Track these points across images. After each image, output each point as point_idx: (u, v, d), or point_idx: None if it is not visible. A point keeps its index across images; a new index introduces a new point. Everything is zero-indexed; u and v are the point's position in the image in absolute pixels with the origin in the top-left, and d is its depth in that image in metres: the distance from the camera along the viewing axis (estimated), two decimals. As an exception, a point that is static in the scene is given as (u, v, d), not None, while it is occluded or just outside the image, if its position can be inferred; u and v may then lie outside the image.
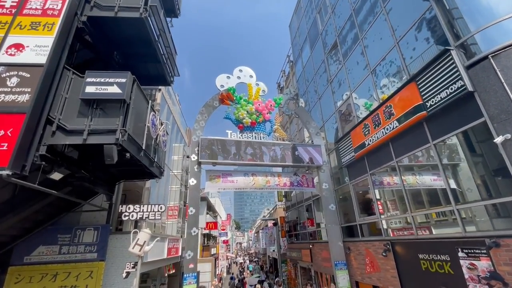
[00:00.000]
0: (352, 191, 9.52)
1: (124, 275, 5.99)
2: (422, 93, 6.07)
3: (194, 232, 8.13)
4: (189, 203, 8.41)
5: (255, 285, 16.62)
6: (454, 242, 5.33)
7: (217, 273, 24.47)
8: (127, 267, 6.04)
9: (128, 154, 5.80)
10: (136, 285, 6.28)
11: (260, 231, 36.28)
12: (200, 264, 18.75)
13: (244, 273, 29.02)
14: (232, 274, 30.38)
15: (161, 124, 7.76)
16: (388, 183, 8.29)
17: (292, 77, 17.78)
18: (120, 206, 6.40)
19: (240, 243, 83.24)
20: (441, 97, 5.59)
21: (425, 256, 6.01)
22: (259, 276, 20.84)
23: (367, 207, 9.29)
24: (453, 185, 5.74)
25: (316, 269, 12.26)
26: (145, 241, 6.19)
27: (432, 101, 5.80)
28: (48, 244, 7.41)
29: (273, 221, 17.81)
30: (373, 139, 7.85)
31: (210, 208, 33.10)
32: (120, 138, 5.32)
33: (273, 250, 18.29)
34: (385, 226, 7.74)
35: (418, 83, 6.20)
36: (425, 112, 5.98)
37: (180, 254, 13.72)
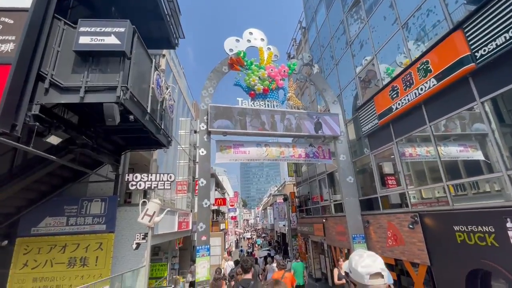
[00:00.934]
0: (373, 162, 8.86)
1: (134, 246, 5.64)
2: (471, 42, 5.15)
3: (206, 204, 7.71)
4: (200, 175, 7.92)
5: (265, 257, 16.73)
6: (501, 212, 4.70)
7: (226, 247, 24.90)
8: (137, 238, 5.67)
9: (132, 117, 5.19)
10: (148, 257, 5.95)
11: (268, 207, 36.57)
12: (210, 238, 18.95)
13: (254, 248, 29.54)
14: (241, 247, 31.08)
15: (167, 88, 7.05)
16: (416, 153, 7.58)
17: (305, 44, 16.53)
18: (127, 175, 5.90)
19: (247, 220, 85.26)
20: (496, 44, 4.68)
21: (461, 228, 5.44)
22: (268, 250, 21.06)
23: (389, 178, 8.67)
24: (502, 149, 4.99)
25: (330, 243, 11.99)
26: (154, 212, 5.75)
27: (484, 50, 4.91)
28: (55, 216, 7.10)
29: (283, 196, 17.55)
30: (402, 103, 7.03)
31: (218, 185, 33.19)
32: (121, 96, 4.67)
33: (284, 225, 18.22)
34: (412, 199, 7.15)
35: (465, 30, 5.26)
36: (473, 64, 5.10)
37: (190, 228, 13.61)
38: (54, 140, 4.91)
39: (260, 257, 17.39)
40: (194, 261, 15.43)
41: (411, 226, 6.67)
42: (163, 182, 6.01)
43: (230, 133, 8.71)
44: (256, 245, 33.50)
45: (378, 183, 8.52)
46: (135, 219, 7.74)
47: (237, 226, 45.30)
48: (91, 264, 6.72)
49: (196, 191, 14.78)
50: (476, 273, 5.34)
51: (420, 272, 6.65)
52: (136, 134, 6.53)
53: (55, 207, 7.15)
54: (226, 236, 28.36)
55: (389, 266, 7.87)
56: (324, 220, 12.33)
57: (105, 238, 6.98)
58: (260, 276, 10.44)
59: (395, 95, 7.29)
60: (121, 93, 4.68)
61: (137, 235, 5.70)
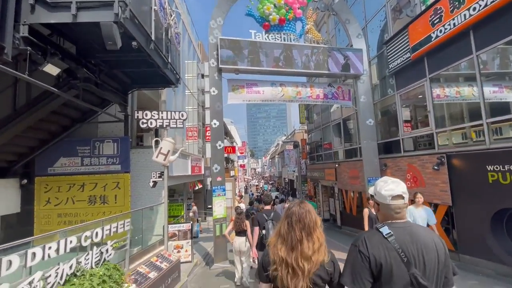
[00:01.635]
0: (397, 103, 8.18)
1: (151, 184, 5.57)
2: None
3: (220, 146, 7.46)
4: (212, 116, 7.49)
5: (273, 200, 17.44)
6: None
7: (237, 192, 26.14)
8: (153, 176, 5.57)
9: (134, 44, 4.52)
10: (166, 195, 5.95)
11: (276, 156, 37.22)
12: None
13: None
14: (251, 191, 32.71)
15: (171, 15, 6.14)
16: (445, 94, 6.84)
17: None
18: (136, 112, 5.51)
19: (255, 169, 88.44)
20: None
21: (496, 168, 5.07)
22: (277, 194, 21.94)
23: (414, 119, 8.11)
24: None
25: (341, 187, 12.12)
26: (169, 151, 5.50)
27: None
28: (69, 156, 7.03)
29: (294, 143, 17.42)
30: (445, 29, 6.01)
31: (227, 134, 33.34)
32: (120, 14, 3.95)
33: (294, 170, 18.53)
34: (440, 140, 6.68)
35: None
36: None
37: (203, 172, 13.84)
38: (51, 70, 4.39)
39: None
40: (206, 203, 16.27)
41: (436, 168, 6.35)
42: (175, 120, 5.64)
43: (243, 71, 7.95)
44: (264, 191, 35.13)
45: (401, 125, 7.99)
46: (148, 161, 7.67)
47: (245, 174, 47.13)
48: (111, 202, 6.86)
49: (207, 137, 14.71)
50: (503, 212, 5.16)
51: (439, 213, 6.58)
52: (141, 68, 5.91)
53: (68, 148, 7.04)
54: (236, 183, 29.52)
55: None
56: (336, 165, 12.26)
57: (121, 178, 6.98)
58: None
59: (438, 20, 6.20)
60: (119, 10, 3.95)
61: (153, 174, 5.58)
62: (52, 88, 4.59)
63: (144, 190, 7.70)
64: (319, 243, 1.55)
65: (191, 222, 7.30)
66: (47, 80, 4.70)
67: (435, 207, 6.76)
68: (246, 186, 40.71)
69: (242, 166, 36.62)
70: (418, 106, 8.23)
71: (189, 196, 14.33)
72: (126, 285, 3.62)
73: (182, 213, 11.29)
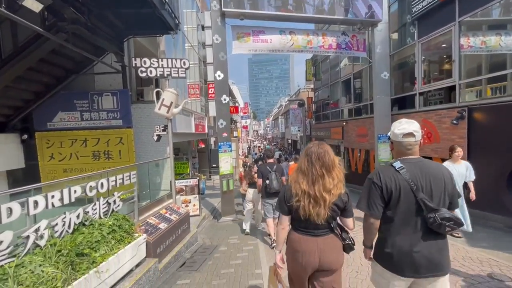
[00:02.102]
0: (418, 52, 7.49)
1: (155, 137, 5.32)
2: None
3: (225, 100, 7.05)
4: (216, 67, 6.93)
5: (278, 158, 17.51)
6: None
7: (240, 153, 26.33)
8: (157, 130, 5.29)
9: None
10: (171, 151, 5.75)
11: (280, 117, 36.70)
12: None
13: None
14: (254, 151, 33.04)
15: None
16: (469, 44, 6.14)
17: None
18: (134, 59, 5.01)
19: (257, 131, 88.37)
20: None
21: (524, 120, 4.70)
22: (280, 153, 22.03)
23: (434, 71, 7.51)
24: None
25: (348, 146, 11.95)
26: (171, 102, 5.13)
27: None
28: (67, 111, 6.72)
29: (299, 102, 16.86)
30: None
31: (230, 94, 32.44)
32: None
33: (298, 130, 18.29)
34: (463, 94, 6.20)
35: None
36: None
37: (206, 131, 13.62)
38: (33, 5, 3.80)
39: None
40: (210, 162, 16.37)
41: (454, 122, 6.00)
42: (176, 69, 5.16)
43: (248, 15, 7.14)
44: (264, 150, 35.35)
45: (420, 77, 7.41)
46: (151, 117, 7.35)
47: (248, 135, 47.14)
48: (115, 157, 6.73)
49: (210, 95, 14.15)
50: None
51: (451, 168, 6.42)
52: (135, 9, 5.24)
53: (65, 101, 6.69)
54: (239, 144, 29.60)
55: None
56: (344, 124, 11.91)
57: (124, 133, 6.75)
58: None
59: None
60: None
61: (157, 127, 5.30)
62: (37, 28, 4.06)
63: (149, 146, 7.52)
64: (338, 179, 1.75)
65: (198, 178, 7.25)
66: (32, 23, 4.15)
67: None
68: (249, 147, 41.01)
69: (245, 127, 36.33)
70: (438, 58, 7.55)
71: (194, 155, 14.35)
72: (136, 234, 3.58)
73: (188, 171, 11.36)
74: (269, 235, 4.98)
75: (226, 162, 7.09)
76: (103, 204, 3.38)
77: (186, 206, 7.04)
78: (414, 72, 7.72)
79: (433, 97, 7.32)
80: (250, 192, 5.62)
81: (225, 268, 4.01)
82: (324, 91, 15.09)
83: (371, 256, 1.79)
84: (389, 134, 1.81)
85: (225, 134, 7.08)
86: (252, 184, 5.57)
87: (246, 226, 5.64)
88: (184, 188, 7.05)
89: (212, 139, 18.30)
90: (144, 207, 4.91)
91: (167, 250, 4.20)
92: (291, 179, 1.87)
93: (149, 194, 5.87)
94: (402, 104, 8.35)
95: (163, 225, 4.26)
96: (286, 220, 1.85)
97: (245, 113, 28.18)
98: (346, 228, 1.89)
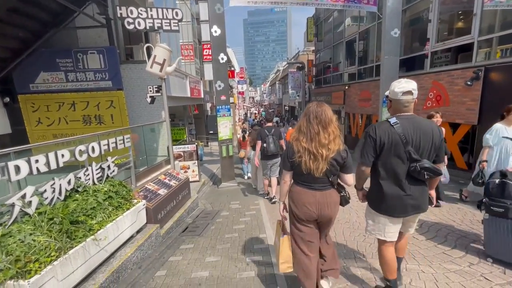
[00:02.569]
0: (434, 6, 6.80)
1: (148, 100, 4.91)
2: None
3: (222, 59, 6.48)
4: (212, 21, 6.24)
5: (277, 122, 17.20)
6: None
7: (237, 119, 25.87)
8: (150, 91, 4.85)
9: None
10: (166, 114, 5.37)
11: (277, 82, 35.52)
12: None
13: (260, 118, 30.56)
14: (250, 117, 32.59)
15: None
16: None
17: None
18: (119, 9, 4.36)
19: (253, 98, 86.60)
20: None
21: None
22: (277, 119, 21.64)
23: (450, 28, 6.92)
24: None
25: (349, 111, 11.61)
26: (164, 59, 4.63)
27: None
28: (50, 71, 6.14)
29: (299, 65, 16.01)
30: None
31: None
32: None
33: (298, 95, 17.71)
34: (480, 53, 5.74)
35: None
36: None
37: (202, 96, 13.06)
38: None
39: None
40: (207, 129, 16.04)
41: (469, 83, 5.64)
42: (168, 21, 4.55)
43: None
44: (262, 117, 34.76)
45: (434, 34, 6.84)
46: (143, 78, 6.82)
47: (244, 102, 46.07)
48: (107, 122, 6.36)
49: (204, 56, 13.29)
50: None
51: (458, 133, 6.23)
52: None
53: (47, 60, 6.09)
54: (236, 110, 28.96)
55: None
56: (346, 87, 11.43)
57: (114, 95, 6.28)
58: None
59: None
60: None
61: (149, 88, 4.85)
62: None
63: (143, 110, 7.11)
64: (334, 135, 1.83)
65: (196, 144, 6.99)
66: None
67: (454, 127, 6.36)
68: (246, 113, 40.37)
69: (241, 93, 35.28)
70: (455, 13, 6.90)
71: (190, 121, 13.94)
72: (135, 200, 3.39)
73: (184, 137, 11.07)
74: (268, 194, 5.35)
75: (225, 127, 6.78)
76: (97, 170, 3.12)
77: (185, 172, 6.87)
78: (426, 30, 7.11)
79: (445, 58, 6.85)
80: (252, 154, 5.86)
81: (228, 232, 3.94)
82: (326, 53, 14.26)
83: (364, 199, 2.12)
84: (387, 93, 1.97)
85: (223, 97, 6.66)
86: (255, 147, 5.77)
87: (256, 185, 6.03)
88: (183, 154, 6.83)
89: (208, 105, 17.71)
90: (142, 173, 4.70)
91: (168, 215, 4.08)
92: (292, 137, 1.96)
93: (146, 160, 5.63)
94: (410, 66, 7.86)
95: (162, 191, 4.08)
96: (288, 175, 2.01)
97: (241, 77, 27.05)
98: (342, 183, 2.02)
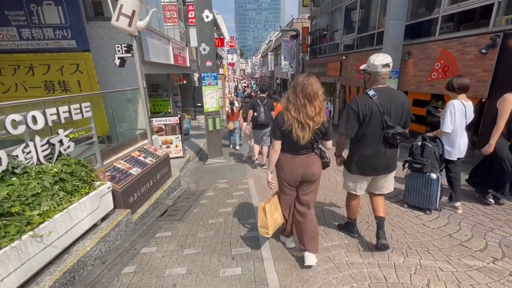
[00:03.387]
0: (450, -39, 5.96)
1: (116, 62, 4.10)
2: None
3: (207, 17, 5.58)
4: (194, -30, 5.23)
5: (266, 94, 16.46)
6: None
7: (227, 91, 24.73)
8: (118, 50, 4.03)
9: None
10: (141, 81, 4.59)
11: (269, 53, 33.84)
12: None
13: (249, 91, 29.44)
14: (240, 89, 31.45)
15: None
16: None
17: None
18: None
19: (244, 70, 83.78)
20: None
21: None
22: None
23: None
24: None
25: (345, 83, 10.95)
26: (134, 11, 3.77)
27: None
28: (-2, 26, 5.11)
29: (293, 33, 14.84)
30: None
31: (215, 24, 28.69)
32: None
33: (290, 66, 16.73)
34: (500, 16, 5.08)
35: None
36: None
37: (188, 64, 12.02)
38: None
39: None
40: (195, 101, 15.12)
41: (483, 51, 5.06)
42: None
43: None
44: (251, 89, 33.50)
45: (447, -5, 6.07)
46: (116, 38, 5.88)
47: (235, 74, 44.25)
48: (74, 89, 5.52)
49: (190, 20, 12.01)
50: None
51: (464, 107, 5.76)
52: None
53: (-8, 12, 5.02)
54: (226, 82, 27.70)
55: (420, 102, 7.03)
56: (343, 58, 10.64)
57: (80, 58, 5.38)
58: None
59: None
60: None
61: (118, 47, 4.02)
62: None
63: (118, 77, 6.26)
64: (319, 108, 1.98)
65: (179, 115, 6.29)
66: None
67: (460, 101, 5.89)
68: (236, 86, 38.92)
69: (231, 64, 33.58)
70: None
71: (176, 92, 12.96)
72: (98, 183, 2.80)
73: (169, 109, 10.24)
74: (256, 159, 5.65)
75: (212, 98, 6.07)
76: (42, 145, 2.47)
77: (168, 147, 6.25)
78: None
79: (456, 24, 6.15)
80: (245, 125, 5.86)
81: (213, 217, 3.46)
82: (323, 20, 13.15)
83: (343, 166, 2.47)
84: (364, 66, 2.18)
85: (209, 63, 5.86)
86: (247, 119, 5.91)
87: (251, 154, 6.07)
88: (164, 127, 6.14)
89: (196, 75, 16.58)
90: (111, 150, 4.05)
91: (143, 198, 3.54)
92: (283, 108, 2.06)
93: (116, 135, 4.95)
94: (416, 32, 7.14)
95: (135, 170, 3.49)
96: (278, 144, 2.12)
97: (231, 46, 25.44)
98: (324, 149, 2.21)
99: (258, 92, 5.62)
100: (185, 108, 13.72)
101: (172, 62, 9.13)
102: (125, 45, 4.01)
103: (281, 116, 2.03)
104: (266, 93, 5.38)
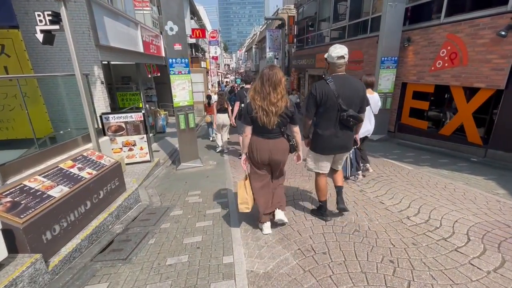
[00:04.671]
0: None
1: (39, 37, 2.94)
2: None
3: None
4: None
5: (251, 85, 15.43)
6: None
7: (210, 86, 23.40)
8: (39, 20, 2.88)
9: None
10: (75, 65, 3.44)
11: (254, 46, 32.66)
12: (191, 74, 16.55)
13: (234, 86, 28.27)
14: (223, 83, 30.20)
15: None
16: None
17: None
18: None
19: (228, 65, 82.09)
20: None
21: None
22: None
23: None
24: None
25: (335, 75, 10.13)
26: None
27: None
28: None
29: (279, 22, 13.84)
30: None
31: (195, 14, 27.07)
32: None
33: (276, 58, 15.75)
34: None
35: None
36: None
37: (163, 55, 10.77)
38: None
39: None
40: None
41: (502, 33, 4.33)
42: None
43: None
44: (236, 84, 32.34)
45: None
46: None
47: (218, 68, 42.72)
48: (-1, 78, 4.25)
49: (164, 4, 10.71)
50: None
51: (476, 100, 5.06)
52: None
53: None
54: (209, 77, 26.34)
55: (422, 95, 6.31)
56: (333, 48, 9.80)
57: (6, 37, 4.12)
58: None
59: None
60: None
61: (38, 16, 2.87)
62: None
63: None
64: (282, 94, 2.21)
65: (143, 111, 5.18)
66: None
67: (470, 92, 5.18)
68: (219, 80, 37.49)
69: (215, 58, 32.12)
70: None
71: (150, 86, 11.66)
72: (-24, 220, 1.72)
73: (140, 105, 9.00)
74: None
75: (183, 89, 5.00)
76: None
77: (130, 150, 5.14)
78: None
79: (464, 4, 5.42)
80: (221, 118, 6.08)
81: (174, 253, 2.46)
82: (310, 7, 12.22)
83: (309, 147, 2.68)
84: (326, 56, 2.39)
85: (177, 46, 4.77)
86: (222, 110, 6.10)
87: (219, 144, 6.51)
88: (125, 126, 5.01)
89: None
90: (25, 160, 2.89)
91: (72, 230, 2.47)
92: (250, 97, 2.29)
93: (39, 138, 3.78)
94: (417, 16, 6.38)
95: (58, 190, 2.42)
96: (249, 129, 2.36)
97: (213, 37, 23.98)
98: (292, 134, 2.43)
99: (244, 84, 5.75)
100: (161, 103, 12.44)
101: (141, 50, 7.92)
102: (49, 12, 2.86)
103: (249, 104, 2.28)
104: (251, 84, 4.90)
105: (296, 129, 2.41)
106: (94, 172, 2.89)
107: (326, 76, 2.38)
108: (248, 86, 5.24)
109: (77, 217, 2.54)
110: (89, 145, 3.47)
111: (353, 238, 2.49)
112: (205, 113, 8.35)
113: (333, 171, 2.79)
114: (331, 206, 3.00)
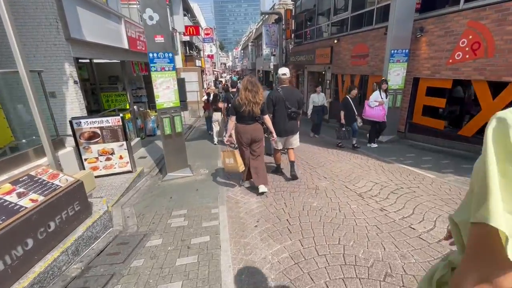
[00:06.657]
0: None
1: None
2: None
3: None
4: None
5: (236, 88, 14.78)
6: None
7: (205, 86, 22.66)
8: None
9: None
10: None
11: (250, 44, 31.91)
12: (185, 73, 15.77)
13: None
14: (219, 82, 29.47)
15: None
16: None
17: None
18: None
19: (225, 64, 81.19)
20: None
21: None
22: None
23: None
24: None
25: (337, 71, 9.47)
26: None
27: None
28: None
29: (277, 16, 13.15)
30: None
31: (188, 11, 26.22)
32: None
33: (273, 54, 15.06)
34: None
35: None
36: None
37: (153, 52, 9.96)
38: None
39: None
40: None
41: (540, 17, 3.69)
42: None
43: None
44: (233, 80, 31.53)
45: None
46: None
47: (214, 67, 41.91)
48: None
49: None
50: None
51: (504, 96, 4.42)
52: None
53: None
54: (204, 76, 25.57)
55: (439, 91, 5.66)
56: (335, 41, 9.13)
57: None
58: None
59: None
60: None
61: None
62: None
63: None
64: (261, 93, 3.43)
65: (121, 115, 4.48)
66: None
67: (497, 88, 4.54)
68: (215, 80, 36.74)
69: (210, 56, 31.35)
70: None
71: (139, 85, 10.93)
72: None
73: (127, 106, 8.28)
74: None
75: (167, 88, 4.31)
76: None
77: (108, 159, 4.45)
78: None
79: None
80: (216, 115, 7.16)
81: (141, 312, 1.80)
82: (309, 1, 11.52)
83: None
84: (277, 73, 4.00)
85: (159, 38, 4.07)
86: (217, 110, 7.07)
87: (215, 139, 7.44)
88: (100, 132, 4.32)
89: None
90: None
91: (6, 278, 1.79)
92: (243, 95, 3.39)
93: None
94: (430, 4, 5.73)
95: (-22, 231, 1.73)
96: (234, 118, 3.53)
97: (207, 34, 23.19)
98: (263, 120, 3.60)
99: (230, 88, 6.89)
100: (151, 103, 11.71)
101: (126, 46, 7.22)
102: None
103: (237, 100, 3.46)
104: (235, 88, 6.57)
105: (266, 117, 3.58)
106: (41, 198, 2.21)
107: (277, 86, 4.00)
108: (233, 90, 6.63)
109: (9, 264, 1.86)
110: (43, 161, 2.78)
111: (385, 288, 1.83)
112: (205, 110, 9.28)
113: (287, 149, 4.14)
114: (287, 173, 4.24)
